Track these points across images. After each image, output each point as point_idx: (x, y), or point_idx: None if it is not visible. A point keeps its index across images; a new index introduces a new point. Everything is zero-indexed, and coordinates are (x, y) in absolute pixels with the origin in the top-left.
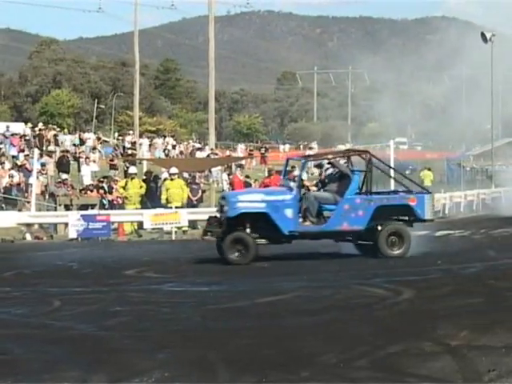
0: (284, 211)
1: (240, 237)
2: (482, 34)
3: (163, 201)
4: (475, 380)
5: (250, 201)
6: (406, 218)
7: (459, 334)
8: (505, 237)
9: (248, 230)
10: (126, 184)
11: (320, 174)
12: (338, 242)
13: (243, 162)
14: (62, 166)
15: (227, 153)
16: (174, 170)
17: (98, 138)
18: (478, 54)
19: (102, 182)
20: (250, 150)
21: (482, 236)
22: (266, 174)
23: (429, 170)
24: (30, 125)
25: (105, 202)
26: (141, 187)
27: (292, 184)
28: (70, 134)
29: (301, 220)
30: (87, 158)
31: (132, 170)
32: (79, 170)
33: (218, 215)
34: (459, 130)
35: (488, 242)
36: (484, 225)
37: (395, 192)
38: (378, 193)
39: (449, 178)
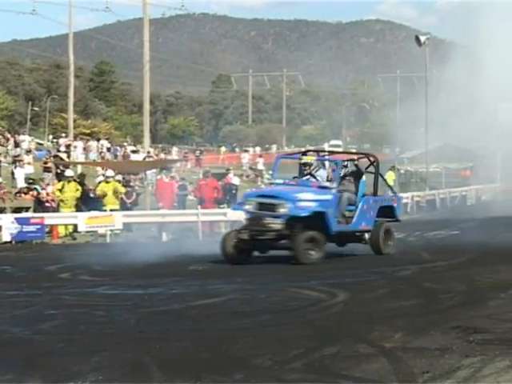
0: (330, 211)
1: (313, 235)
2: (417, 38)
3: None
4: (410, 382)
5: (307, 200)
6: (390, 218)
7: (394, 336)
8: (439, 239)
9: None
10: (62, 187)
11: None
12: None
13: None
14: None
15: (162, 156)
16: (110, 172)
17: (32, 140)
18: (412, 56)
19: (32, 183)
20: (185, 153)
21: (417, 238)
22: (201, 176)
23: (391, 170)
24: None
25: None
26: (77, 190)
27: (328, 183)
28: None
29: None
30: (21, 160)
31: (68, 172)
32: (13, 173)
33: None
34: (394, 133)
35: (422, 244)
36: (418, 227)
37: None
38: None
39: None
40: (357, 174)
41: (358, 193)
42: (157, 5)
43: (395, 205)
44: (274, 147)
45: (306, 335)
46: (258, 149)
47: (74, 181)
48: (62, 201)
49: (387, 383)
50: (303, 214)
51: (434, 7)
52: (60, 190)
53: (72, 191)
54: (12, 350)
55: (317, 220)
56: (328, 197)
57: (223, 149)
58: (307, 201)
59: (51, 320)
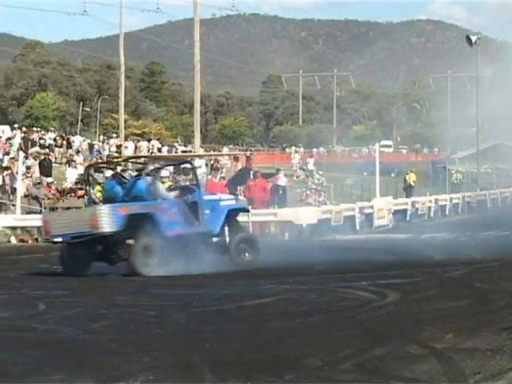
0: None
1: None
2: (468, 38)
3: None
4: (461, 382)
5: None
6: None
7: (445, 337)
8: (490, 239)
9: None
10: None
11: None
12: None
13: (219, 164)
14: (44, 168)
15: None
16: (165, 172)
17: (84, 141)
18: (463, 56)
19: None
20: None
21: (468, 239)
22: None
23: (412, 171)
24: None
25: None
26: None
27: None
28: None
29: None
30: (72, 160)
31: (108, 174)
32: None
33: None
34: (445, 133)
35: (473, 244)
36: (469, 228)
37: None
38: None
39: (434, 181)
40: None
41: None
42: (207, 5)
43: (150, 211)
44: (339, 148)
45: (356, 336)
46: (322, 149)
47: None
48: None
49: None
50: None
51: (484, 6)
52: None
53: None
54: (63, 349)
55: None
56: None
57: (294, 149)
58: None
59: (102, 320)
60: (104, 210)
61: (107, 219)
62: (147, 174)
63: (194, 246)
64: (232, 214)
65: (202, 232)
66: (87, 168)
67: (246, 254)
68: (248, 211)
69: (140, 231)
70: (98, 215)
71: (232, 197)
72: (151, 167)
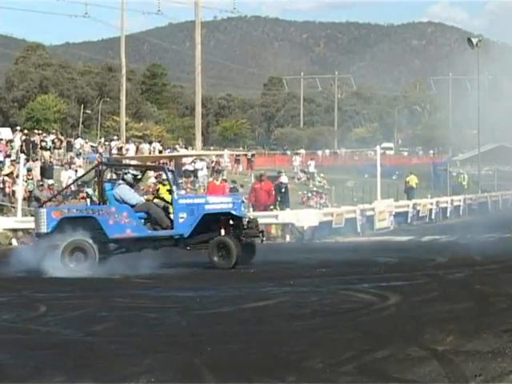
0: None
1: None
2: (469, 40)
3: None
4: None
5: None
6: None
7: (446, 339)
8: (491, 242)
9: None
10: None
11: None
12: None
13: (220, 167)
14: (45, 171)
15: (213, 158)
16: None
17: (86, 143)
18: (464, 58)
19: (82, 186)
20: (237, 156)
21: (469, 241)
22: (253, 180)
23: (412, 174)
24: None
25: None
26: None
27: None
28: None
29: None
30: (72, 163)
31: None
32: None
33: None
34: (446, 135)
35: (474, 247)
36: (470, 230)
37: None
38: None
39: (435, 183)
40: None
41: None
42: (209, 7)
43: (90, 215)
44: (343, 151)
45: (357, 338)
46: (327, 151)
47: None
48: None
49: None
50: None
51: (485, 9)
52: None
53: None
54: (64, 351)
55: None
56: None
57: (301, 150)
58: None
59: (103, 322)
60: (41, 213)
61: (43, 221)
62: (122, 179)
63: (155, 248)
64: (218, 216)
65: (170, 235)
66: (98, 166)
67: (219, 258)
68: (234, 214)
69: (75, 233)
70: (36, 217)
71: (227, 199)
72: (131, 172)
